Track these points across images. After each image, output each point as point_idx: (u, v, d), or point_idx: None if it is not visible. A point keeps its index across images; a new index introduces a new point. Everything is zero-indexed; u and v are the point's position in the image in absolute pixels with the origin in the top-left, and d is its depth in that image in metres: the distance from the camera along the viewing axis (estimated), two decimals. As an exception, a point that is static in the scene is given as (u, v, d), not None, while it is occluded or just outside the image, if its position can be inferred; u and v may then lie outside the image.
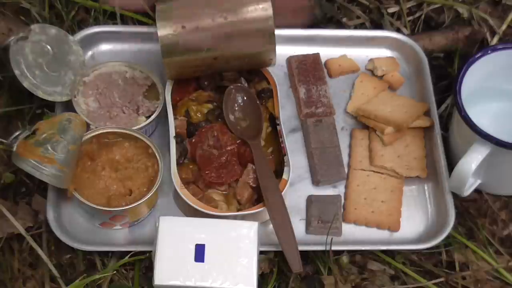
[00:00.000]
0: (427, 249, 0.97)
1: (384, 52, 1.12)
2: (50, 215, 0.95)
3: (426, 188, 1.02)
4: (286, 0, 1.10)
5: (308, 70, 1.08)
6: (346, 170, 1.02)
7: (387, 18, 1.15)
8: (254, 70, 1.04)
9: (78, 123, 0.94)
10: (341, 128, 1.06)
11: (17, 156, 0.90)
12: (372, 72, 1.11)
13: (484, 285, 0.96)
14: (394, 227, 0.98)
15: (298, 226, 0.98)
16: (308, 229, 0.98)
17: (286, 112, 1.06)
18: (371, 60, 1.11)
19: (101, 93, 1.02)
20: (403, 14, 1.16)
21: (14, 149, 0.91)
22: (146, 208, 0.96)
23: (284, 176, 0.96)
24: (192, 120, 1.01)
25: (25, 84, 0.98)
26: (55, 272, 0.93)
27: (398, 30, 1.14)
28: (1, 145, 0.98)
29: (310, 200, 0.99)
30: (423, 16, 1.16)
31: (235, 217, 0.94)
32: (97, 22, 1.11)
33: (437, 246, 0.97)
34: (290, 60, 1.09)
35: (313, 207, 0.98)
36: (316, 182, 1.01)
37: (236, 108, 1.02)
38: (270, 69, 1.03)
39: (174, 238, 0.88)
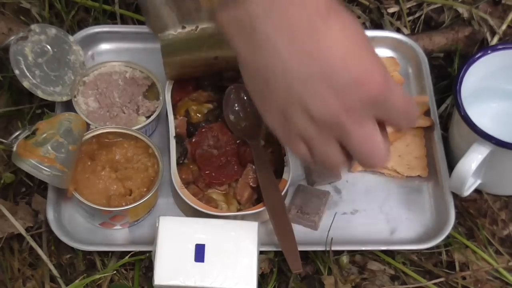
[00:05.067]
0: (427, 249, 0.97)
1: (384, 52, 1.12)
2: (50, 215, 0.95)
3: (426, 188, 1.02)
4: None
5: (308, 70, 1.08)
6: (344, 170, 1.02)
7: (387, 18, 1.15)
8: (254, 70, 1.04)
9: (78, 123, 0.94)
10: (341, 128, 1.06)
11: (17, 156, 0.90)
12: (372, 72, 1.10)
13: (484, 285, 0.96)
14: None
15: (298, 226, 0.98)
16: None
17: (286, 112, 1.05)
18: (371, 60, 1.11)
19: (101, 93, 1.02)
20: (403, 14, 1.16)
21: (14, 149, 0.91)
22: (146, 208, 0.96)
23: (284, 176, 0.96)
24: (192, 120, 1.01)
25: (25, 84, 0.98)
26: (55, 272, 0.93)
27: (398, 30, 1.14)
28: (1, 145, 0.98)
29: (298, 188, 0.99)
30: (423, 16, 1.16)
31: (235, 217, 0.94)
32: (97, 22, 1.11)
33: (437, 246, 0.97)
34: (290, 60, 1.09)
35: (298, 196, 0.98)
36: (311, 182, 1.01)
37: (236, 108, 1.02)
38: (270, 69, 1.03)
39: (174, 238, 0.88)
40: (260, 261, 0.92)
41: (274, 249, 0.94)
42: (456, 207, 0.99)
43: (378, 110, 0.76)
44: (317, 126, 0.76)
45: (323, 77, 0.74)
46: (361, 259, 0.97)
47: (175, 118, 1.00)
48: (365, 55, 0.76)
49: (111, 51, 1.10)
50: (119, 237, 0.97)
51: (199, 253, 0.88)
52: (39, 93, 0.99)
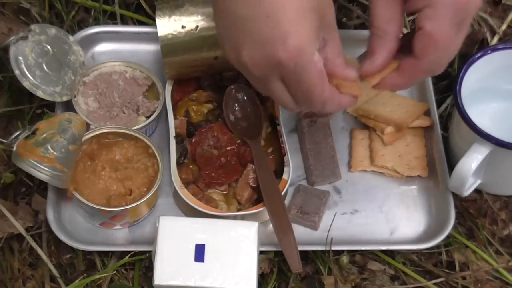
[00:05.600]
0: (427, 249, 0.97)
1: (384, 52, 1.12)
2: (50, 215, 0.95)
3: (426, 188, 1.02)
4: None
5: (308, 70, 1.08)
6: (344, 170, 1.02)
7: (387, 18, 1.15)
8: (254, 70, 1.04)
9: (78, 123, 0.94)
10: (341, 128, 1.06)
11: (17, 156, 0.90)
12: (372, 72, 1.10)
13: (484, 285, 0.96)
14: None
15: (298, 226, 0.98)
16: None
17: (286, 112, 1.05)
18: (371, 60, 1.11)
19: (101, 93, 1.02)
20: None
21: (14, 149, 0.91)
22: (146, 208, 0.96)
23: (284, 176, 0.96)
24: (192, 120, 1.01)
25: (25, 84, 0.98)
26: (55, 272, 0.93)
27: (398, 30, 1.14)
28: (1, 145, 0.98)
29: (298, 188, 0.99)
30: (423, 16, 1.16)
31: (235, 217, 0.94)
32: (97, 22, 1.11)
33: (437, 246, 0.97)
34: (290, 60, 1.09)
35: (298, 196, 0.98)
36: (311, 182, 1.01)
37: (236, 108, 1.02)
38: (270, 69, 1.03)
39: (174, 238, 0.88)
40: (260, 261, 0.92)
41: (274, 249, 0.94)
42: (456, 207, 0.99)
43: (283, 77, 0.80)
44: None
45: (245, 27, 0.79)
46: (361, 259, 0.97)
47: (175, 118, 1.00)
48: (292, 21, 0.77)
49: (111, 51, 1.10)
50: (119, 237, 0.97)
51: (199, 253, 0.88)
52: (39, 93, 0.99)
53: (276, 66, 0.79)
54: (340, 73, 0.84)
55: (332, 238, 0.95)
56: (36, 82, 0.99)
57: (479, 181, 0.99)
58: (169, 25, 0.96)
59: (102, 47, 1.10)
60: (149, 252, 0.93)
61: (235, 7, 0.79)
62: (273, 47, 0.77)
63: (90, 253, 0.95)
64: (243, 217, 0.94)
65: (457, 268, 0.97)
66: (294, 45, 0.77)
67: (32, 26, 1.00)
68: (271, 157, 0.99)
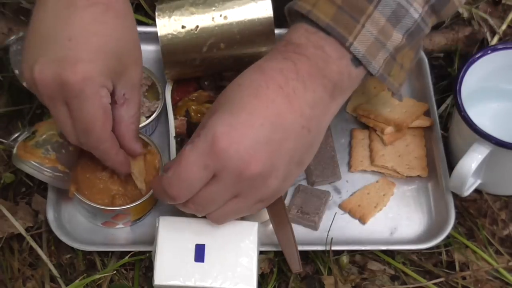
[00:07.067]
0: (427, 249, 0.97)
1: (384, 52, 1.12)
2: (50, 215, 0.95)
3: (426, 188, 1.02)
4: None
5: (308, 70, 1.08)
6: (344, 170, 1.02)
7: (387, 18, 1.15)
8: (254, 70, 1.04)
9: (78, 123, 0.94)
10: (341, 128, 1.06)
11: (18, 158, 0.90)
12: (372, 72, 1.10)
13: (484, 285, 0.96)
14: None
15: (298, 226, 0.98)
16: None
17: (286, 112, 1.05)
18: (371, 60, 1.11)
19: (101, 93, 1.01)
20: (403, 14, 1.15)
21: (14, 151, 0.91)
22: (148, 206, 0.96)
23: (284, 176, 0.96)
24: (192, 120, 1.01)
25: (25, 84, 0.98)
26: (55, 272, 0.93)
27: (398, 30, 1.14)
28: (1, 145, 0.98)
29: (298, 188, 0.99)
30: (423, 16, 1.16)
31: (235, 217, 0.94)
32: (97, 22, 1.11)
33: (437, 246, 0.97)
34: (290, 60, 1.09)
35: (298, 196, 0.98)
36: (311, 182, 1.01)
37: (236, 108, 1.02)
38: (270, 69, 1.03)
39: (174, 238, 0.88)
40: (260, 261, 0.92)
41: (274, 249, 0.94)
42: (456, 207, 0.99)
43: (68, 102, 0.81)
44: None
45: (44, 46, 0.80)
46: (361, 259, 0.97)
47: (175, 118, 1.00)
48: (90, 51, 0.80)
49: (111, 51, 1.09)
50: (119, 237, 0.97)
51: (199, 253, 0.87)
52: (39, 93, 0.99)
53: (62, 87, 0.79)
54: (128, 140, 0.87)
55: (332, 238, 0.95)
56: (36, 82, 0.99)
57: (479, 181, 0.99)
58: (169, 25, 0.96)
59: (102, 47, 1.10)
60: (149, 252, 0.93)
61: (40, 26, 0.81)
62: (63, 67, 0.78)
63: (90, 253, 0.95)
64: (243, 217, 0.94)
65: (457, 268, 0.97)
66: (84, 70, 0.79)
67: (32, 26, 1.00)
68: (271, 157, 0.99)
